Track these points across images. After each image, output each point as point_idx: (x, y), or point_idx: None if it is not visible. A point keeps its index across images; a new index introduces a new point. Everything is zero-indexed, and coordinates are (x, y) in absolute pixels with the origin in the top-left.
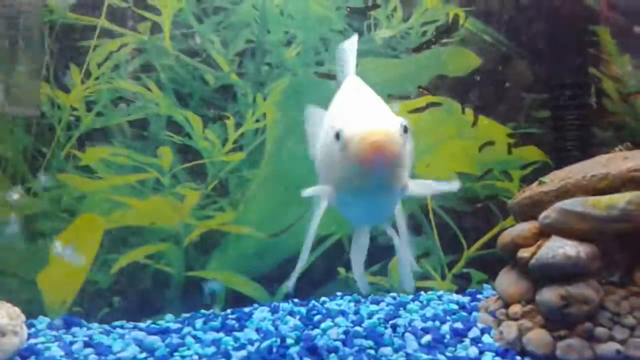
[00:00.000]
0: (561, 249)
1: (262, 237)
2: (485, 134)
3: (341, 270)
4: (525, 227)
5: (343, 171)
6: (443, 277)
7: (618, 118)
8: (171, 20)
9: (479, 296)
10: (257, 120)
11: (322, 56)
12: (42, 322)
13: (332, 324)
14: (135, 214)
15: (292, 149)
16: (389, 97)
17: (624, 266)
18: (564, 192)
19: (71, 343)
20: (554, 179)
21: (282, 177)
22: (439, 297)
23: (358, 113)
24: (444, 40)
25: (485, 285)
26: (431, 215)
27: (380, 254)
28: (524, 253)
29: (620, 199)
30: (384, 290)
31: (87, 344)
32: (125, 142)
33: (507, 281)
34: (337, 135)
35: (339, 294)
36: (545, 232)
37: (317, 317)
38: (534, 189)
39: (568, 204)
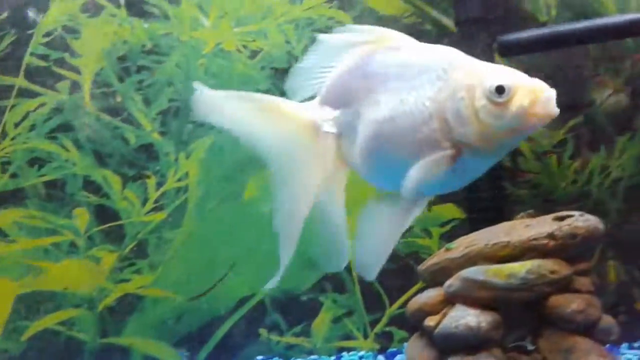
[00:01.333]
0: (463, 319)
1: (181, 300)
2: None
3: (263, 332)
4: (432, 295)
5: (499, 124)
6: (365, 336)
7: (532, 176)
8: (92, 79)
9: (399, 356)
10: (179, 179)
11: None
12: None
13: None
14: (48, 278)
15: (215, 208)
16: None
17: (530, 333)
18: (468, 260)
19: None
20: (460, 246)
21: (204, 237)
22: (360, 358)
23: (506, 69)
24: None
25: (406, 344)
26: (354, 273)
27: (303, 313)
28: (430, 322)
29: (521, 268)
30: (306, 352)
31: None
32: (40, 203)
33: (416, 349)
34: (500, 88)
35: (259, 357)
36: (450, 300)
37: None
38: (441, 254)
39: (470, 272)
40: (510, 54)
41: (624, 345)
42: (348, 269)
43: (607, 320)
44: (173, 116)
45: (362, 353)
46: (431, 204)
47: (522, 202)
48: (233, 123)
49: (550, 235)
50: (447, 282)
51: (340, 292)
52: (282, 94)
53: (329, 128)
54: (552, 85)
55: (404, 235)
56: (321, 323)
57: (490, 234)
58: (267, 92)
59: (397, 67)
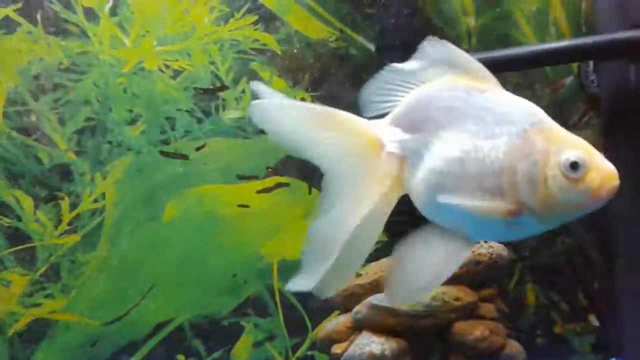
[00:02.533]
0: (367, 346)
1: (95, 325)
2: None
3: (181, 358)
4: (340, 321)
5: (563, 197)
6: None
7: None
8: (5, 97)
9: None
10: (95, 200)
11: (168, 135)
12: None
13: None
14: None
15: (132, 231)
16: (238, 177)
17: (440, 357)
18: (377, 286)
19: None
20: (370, 272)
21: (120, 260)
22: None
23: (585, 145)
24: None
25: None
26: (277, 296)
27: (223, 338)
28: (336, 349)
29: (428, 295)
30: None
31: None
32: None
33: None
34: (574, 164)
35: None
36: (358, 327)
37: None
38: (351, 281)
39: (377, 299)
40: None
41: None
42: (271, 292)
43: (513, 347)
44: (89, 135)
45: None
46: None
47: None
48: (293, 131)
49: None
50: (355, 309)
51: (262, 316)
52: (206, 113)
53: (394, 149)
54: None
55: None
56: (242, 348)
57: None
58: (188, 113)
59: (478, 110)
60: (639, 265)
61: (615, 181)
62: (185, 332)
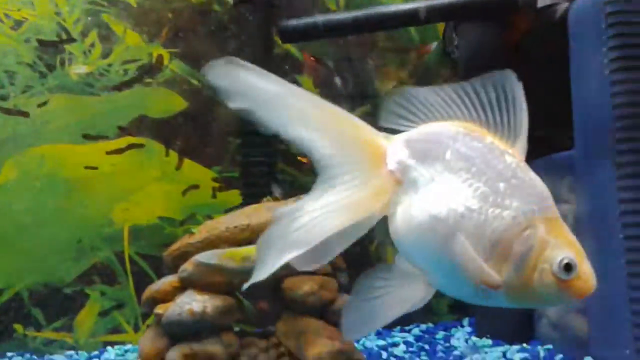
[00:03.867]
0: (188, 305)
1: None
2: (190, 178)
3: (18, 327)
4: (167, 281)
5: (542, 290)
6: (137, 329)
7: None
8: None
9: None
10: None
11: (6, 90)
12: None
13: None
14: None
15: None
16: (84, 137)
17: (272, 316)
18: (209, 244)
19: None
20: (202, 230)
21: None
22: (126, 352)
23: (579, 247)
24: (147, 80)
25: None
26: (127, 263)
27: (66, 307)
28: (158, 309)
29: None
30: (67, 347)
31: None
32: None
33: (148, 339)
34: (568, 266)
35: (10, 354)
36: (185, 286)
37: None
38: (183, 240)
39: (204, 256)
40: (291, 40)
41: (397, 328)
42: (121, 258)
43: (341, 302)
44: None
45: (128, 347)
46: (216, 190)
47: (306, 188)
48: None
49: None
50: (181, 267)
51: (110, 284)
52: (49, 67)
53: (395, 169)
54: (339, 75)
55: (181, 224)
56: (86, 316)
57: (232, 217)
58: (30, 66)
59: (495, 173)
60: None
61: (592, 290)
62: (24, 301)
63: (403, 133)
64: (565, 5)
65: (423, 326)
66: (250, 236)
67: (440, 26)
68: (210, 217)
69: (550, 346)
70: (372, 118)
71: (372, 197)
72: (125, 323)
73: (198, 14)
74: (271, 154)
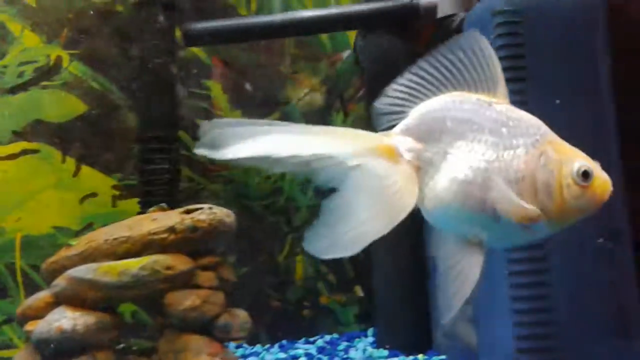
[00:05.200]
0: (57, 322)
1: None
2: (88, 185)
3: None
4: (40, 297)
5: (575, 203)
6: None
7: (227, 171)
8: None
9: None
10: None
11: None
12: None
13: None
14: None
15: None
16: None
17: (157, 332)
18: (87, 257)
19: None
20: (82, 242)
21: None
22: None
23: (586, 155)
24: (44, 83)
25: None
26: (19, 275)
27: None
28: (29, 326)
29: (135, 265)
30: None
31: None
32: None
33: (20, 357)
34: (586, 173)
35: None
36: (59, 302)
37: None
38: (61, 252)
39: (79, 271)
40: (196, 43)
41: (302, 340)
42: (12, 270)
43: (227, 317)
44: None
45: None
46: (116, 198)
47: (216, 197)
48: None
49: (171, 229)
50: (54, 282)
51: (1, 298)
52: None
53: (410, 157)
54: (251, 81)
55: (77, 234)
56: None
57: (113, 228)
58: None
59: (493, 122)
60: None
61: (611, 187)
62: None
63: (398, 125)
64: (462, 15)
65: (328, 337)
66: (130, 248)
67: (352, 34)
68: None
69: (444, 357)
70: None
71: (405, 192)
72: (16, 338)
73: (101, 15)
74: (173, 161)
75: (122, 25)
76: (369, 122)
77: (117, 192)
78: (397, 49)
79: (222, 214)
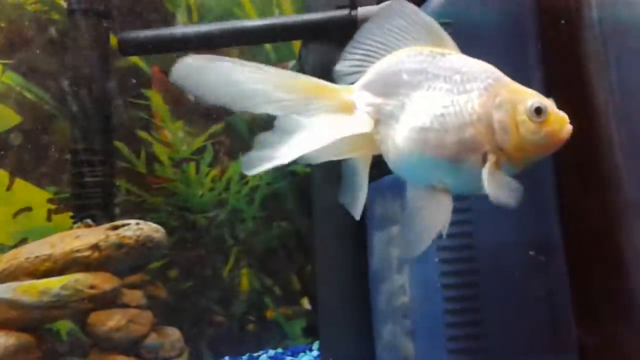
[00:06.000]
0: None
1: None
2: (21, 199)
3: None
4: None
5: (532, 138)
6: None
7: (169, 183)
8: None
9: None
10: None
11: None
12: None
13: None
14: None
15: None
16: None
17: (84, 354)
18: (8, 275)
19: None
20: (3, 260)
21: None
22: None
23: (540, 95)
24: None
25: None
26: None
27: None
28: None
29: (57, 284)
30: None
31: None
32: None
33: None
34: (538, 109)
35: None
36: None
37: None
38: None
39: None
40: (131, 52)
41: (246, 355)
42: None
43: (155, 337)
44: None
45: None
46: (51, 212)
47: (156, 210)
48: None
49: (95, 247)
50: None
51: None
52: None
53: (368, 111)
54: None
55: (11, 250)
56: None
57: (35, 246)
58: None
59: (446, 70)
60: (328, 250)
61: (569, 125)
62: None
63: (358, 81)
64: None
65: (272, 352)
66: (52, 267)
67: (297, 44)
68: None
69: None
70: (225, 136)
71: (354, 145)
72: None
73: (35, 23)
74: (107, 174)
75: (58, 33)
76: None
77: (52, 206)
78: (336, 58)
79: (149, 229)
